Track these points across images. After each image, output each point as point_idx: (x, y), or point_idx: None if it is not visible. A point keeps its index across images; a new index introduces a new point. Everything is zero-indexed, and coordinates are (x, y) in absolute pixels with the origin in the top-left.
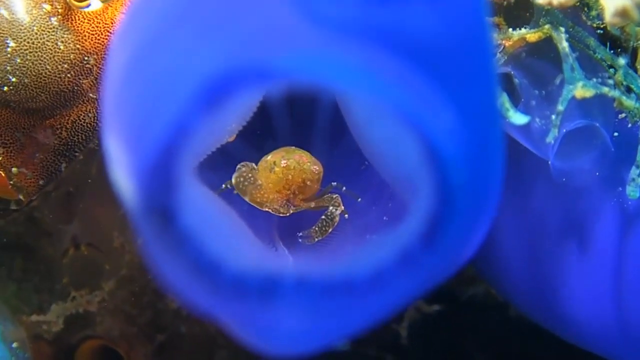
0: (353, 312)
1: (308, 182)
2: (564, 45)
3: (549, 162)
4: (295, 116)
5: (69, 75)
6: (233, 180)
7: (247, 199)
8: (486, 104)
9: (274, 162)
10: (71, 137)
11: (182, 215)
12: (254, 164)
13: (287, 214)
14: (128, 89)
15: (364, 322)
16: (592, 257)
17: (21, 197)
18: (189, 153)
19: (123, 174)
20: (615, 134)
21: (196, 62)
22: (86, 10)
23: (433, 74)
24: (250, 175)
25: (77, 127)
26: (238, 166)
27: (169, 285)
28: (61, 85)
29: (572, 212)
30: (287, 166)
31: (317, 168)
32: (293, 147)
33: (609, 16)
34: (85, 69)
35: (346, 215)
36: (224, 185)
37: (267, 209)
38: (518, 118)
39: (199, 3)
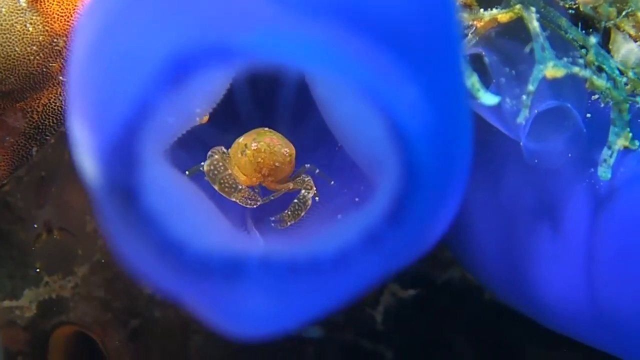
0: (319, 292)
1: (278, 165)
2: (534, 25)
3: (521, 144)
4: (262, 98)
5: (38, 57)
6: (204, 168)
7: (216, 188)
8: (452, 82)
9: (245, 145)
10: (42, 121)
11: (146, 195)
12: (224, 149)
13: (255, 206)
14: (91, 68)
15: (331, 303)
16: (563, 239)
17: None
18: (152, 132)
19: (85, 153)
20: (588, 115)
21: (158, 40)
22: None
23: (397, 51)
24: (220, 164)
25: (48, 111)
26: (210, 152)
27: (134, 267)
28: (30, 67)
29: (544, 194)
30: (257, 149)
31: (288, 150)
32: (266, 129)
33: None
34: (54, 51)
35: (317, 198)
36: (194, 168)
37: (235, 199)
38: (488, 98)
39: None
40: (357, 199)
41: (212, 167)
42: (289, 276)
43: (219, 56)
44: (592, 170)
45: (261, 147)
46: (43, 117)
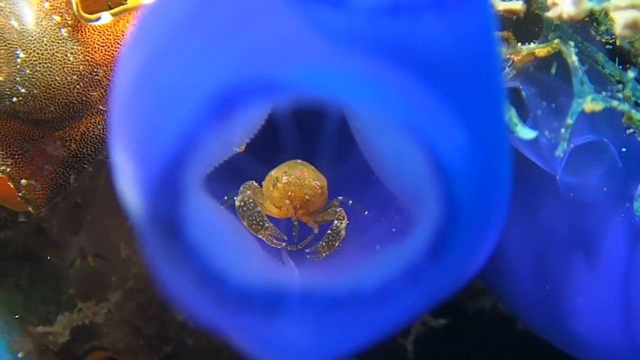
0: (358, 325)
1: (309, 197)
2: (573, 59)
3: (557, 177)
4: (303, 128)
5: (78, 86)
6: (236, 203)
7: (245, 224)
8: (494, 119)
9: (276, 178)
10: (80, 149)
11: (189, 227)
12: (256, 184)
13: (280, 246)
14: (136, 101)
15: (370, 336)
16: (600, 272)
17: (30, 209)
18: (196, 165)
19: (130, 185)
20: (623, 149)
21: (204, 75)
22: (96, 23)
23: (441, 87)
24: (251, 200)
25: (86, 139)
26: (242, 188)
27: (174, 297)
28: (70, 96)
29: (580, 227)
30: (288, 182)
31: (319, 183)
32: (298, 161)
33: (619, 28)
34: (94, 80)
35: (345, 231)
36: (228, 199)
37: (261, 237)
38: (526, 133)
39: (207, 16)
40: (394, 230)
41: (242, 203)
42: (329, 309)
43: (263, 91)
44: (628, 204)
45: (292, 180)
46: (81, 145)
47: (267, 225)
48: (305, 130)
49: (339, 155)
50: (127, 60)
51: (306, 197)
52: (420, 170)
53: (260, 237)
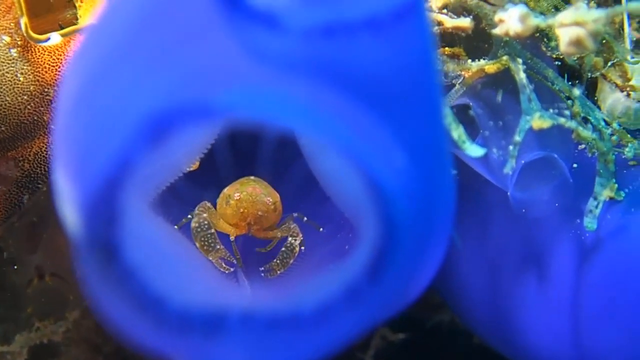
0: (300, 346)
1: (261, 213)
2: (521, 76)
3: (508, 193)
4: (244, 152)
5: (29, 106)
6: (192, 224)
7: (197, 245)
8: (433, 141)
9: (229, 196)
10: (34, 169)
11: (126, 249)
12: (210, 205)
13: (228, 272)
14: (75, 121)
15: (312, 356)
16: (549, 288)
17: None
18: (133, 187)
19: (68, 206)
20: (575, 165)
21: (139, 98)
22: (46, 44)
23: (378, 110)
24: (206, 222)
25: (39, 159)
26: (197, 210)
27: (112, 322)
28: (21, 116)
29: (530, 243)
30: (240, 199)
31: (271, 199)
32: (251, 178)
33: (564, 45)
34: (45, 100)
35: (302, 248)
36: (183, 221)
37: (211, 259)
38: (474, 150)
39: (144, 38)
40: (346, 247)
41: (197, 224)
42: (269, 331)
43: (196, 115)
44: (579, 220)
45: (243, 197)
46: (34, 165)
47: (218, 247)
48: (246, 154)
49: (285, 176)
50: (67, 81)
51: (259, 213)
52: (358, 192)
53: (211, 259)
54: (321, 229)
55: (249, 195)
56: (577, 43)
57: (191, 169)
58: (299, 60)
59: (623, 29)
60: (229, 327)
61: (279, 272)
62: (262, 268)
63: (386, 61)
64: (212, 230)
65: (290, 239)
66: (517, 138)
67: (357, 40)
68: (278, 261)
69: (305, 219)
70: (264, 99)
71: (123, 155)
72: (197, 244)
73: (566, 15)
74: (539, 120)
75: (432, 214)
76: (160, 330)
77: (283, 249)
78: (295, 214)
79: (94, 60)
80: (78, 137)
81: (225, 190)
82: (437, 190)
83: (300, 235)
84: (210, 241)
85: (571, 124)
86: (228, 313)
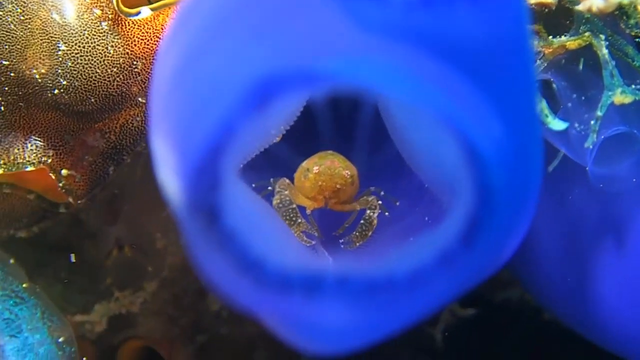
0: (394, 309)
1: (339, 186)
2: (604, 52)
3: (587, 168)
4: (339, 119)
5: (117, 79)
6: (273, 202)
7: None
8: (526, 109)
9: (307, 169)
10: (119, 141)
11: (227, 214)
12: (288, 181)
13: (309, 245)
14: (176, 92)
15: (405, 321)
16: (628, 261)
17: (70, 199)
18: (234, 154)
19: (170, 174)
20: None
21: (242, 66)
22: (136, 17)
23: (475, 78)
24: (288, 199)
25: (125, 131)
26: (277, 188)
27: (214, 283)
28: (110, 88)
29: (608, 217)
30: (318, 172)
31: (349, 172)
32: (329, 152)
33: None
34: (134, 73)
35: (387, 213)
36: (266, 190)
37: (294, 232)
38: (557, 124)
39: (245, 8)
40: (427, 219)
41: (279, 201)
42: (365, 293)
43: (301, 81)
44: None
45: (322, 170)
46: (120, 137)
47: (300, 221)
48: (341, 121)
49: (373, 146)
50: (167, 52)
51: (337, 186)
52: (454, 160)
53: (293, 232)
54: (397, 203)
55: (327, 169)
56: None
57: (277, 140)
58: (401, 28)
59: None
60: (325, 289)
61: (357, 244)
62: (342, 240)
63: (483, 31)
64: (294, 206)
65: (368, 211)
66: (599, 113)
67: (455, 10)
68: (357, 233)
69: (383, 192)
70: (367, 66)
71: (228, 123)
72: (281, 218)
73: None
74: (621, 96)
75: (524, 181)
76: (260, 291)
77: (362, 221)
78: (372, 188)
79: (196, 29)
80: (181, 107)
81: (304, 163)
82: (529, 158)
83: (378, 208)
84: (292, 215)
85: None
86: (324, 275)
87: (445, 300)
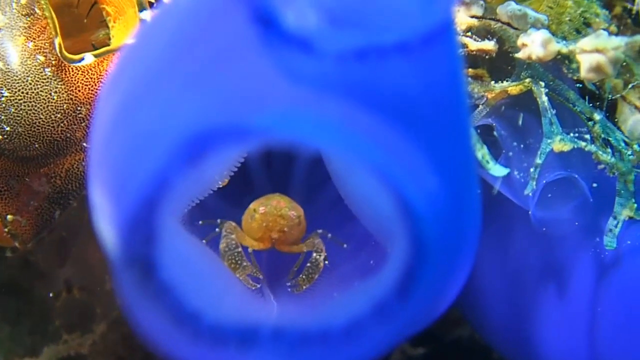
0: None
1: (286, 228)
2: (543, 99)
3: (530, 212)
4: (274, 170)
5: (62, 124)
6: (220, 246)
7: (225, 263)
8: (462, 161)
9: (254, 210)
10: (65, 185)
11: (163, 267)
12: (235, 224)
13: (254, 288)
14: (112, 141)
15: None
16: (568, 305)
17: (17, 244)
18: (170, 206)
19: (105, 224)
20: (595, 184)
21: (176, 120)
22: (79, 64)
23: (408, 131)
24: (234, 243)
25: (71, 176)
26: (224, 232)
27: (147, 335)
28: (54, 134)
29: (550, 260)
30: (265, 212)
31: (295, 213)
32: (276, 194)
33: (584, 71)
34: (78, 118)
35: (326, 262)
36: (210, 235)
37: (238, 276)
38: (498, 170)
39: (180, 62)
40: (371, 263)
41: (226, 245)
42: (300, 346)
43: (234, 137)
44: (598, 239)
45: (269, 210)
46: (66, 182)
47: (245, 264)
48: (279, 173)
49: (316, 195)
50: (104, 102)
51: (283, 227)
52: (388, 211)
53: (238, 276)
54: (345, 245)
55: (273, 209)
56: (598, 69)
57: (221, 185)
58: (333, 82)
59: None
60: (260, 342)
61: (304, 287)
62: (289, 283)
63: (417, 83)
64: (239, 249)
65: (314, 254)
66: (538, 161)
67: (388, 63)
68: (304, 276)
69: (330, 235)
70: (299, 120)
71: (161, 176)
72: (226, 263)
73: (587, 42)
74: (559, 144)
75: (460, 234)
76: (195, 345)
77: (308, 264)
78: (320, 231)
79: (131, 81)
80: (116, 157)
81: (251, 205)
82: (466, 210)
83: (324, 250)
84: (237, 259)
85: (591, 147)
86: (260, 328)
87: (383, 349)
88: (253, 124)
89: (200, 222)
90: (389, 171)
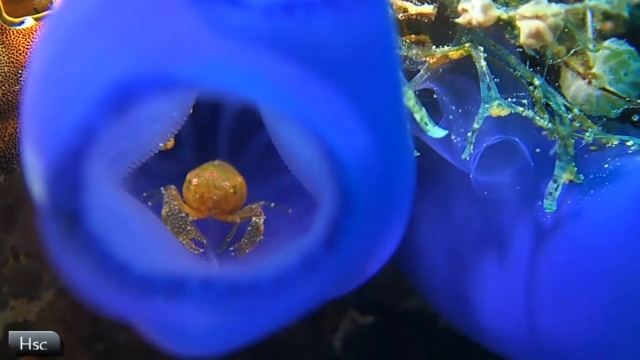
0: (258, 312)
1: (216, 198)
2: (482, 64)
3: (470, 176)
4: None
5: (2, 87)
6: (162, 212)
7: (168, 228)
8: (391, 115)
9: (190, 181)
10: (8, 150)
11: (89, 217)
12: (176, 190)
13: (197, 252)
14: (39, 96)
15: (269, 324)
16: (507, 268)
17: None
18: (98, 158)
19: (33, 176)
20: (537, 150)
21: (102, 69)
22: (20, 27)
23: (334, 82)
24: (177, 208)
25: (14, 140)
26: (166, 198)
27: (77, 286)
28: None
29: (491, 223)
30: (197, 184)
31: (229, 183)
32: (214, 162)
33: (523, 37)
34: (19, 82)
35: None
36: (155, 198)
37: (181, 240)
38: (436, 132)
39: (108, 13)
40: (305, 217)
41: (168, 210)
42: (228, 297)
43: (158, 85)
44: (540, 203)
45: (202, 182)
46: (9, 146)
47: (189, 229)
48: (207, 126)
49: (245, 149)
50: (33, 59)
51: (214, 197)
52: (315, 162)
53: (182, 240)
54: (290, 210)
55: (206, 180)
56: (537, 35)
57: (166, 147)
58: (259, 34)
59: (585, 18)
60: (189, 292)
61: (247, 250)
62: (232, 248)
63: (344, 37)
64: (182, 214)
65: (254, 218)
66: (476, 125)
67: (316, 16)
68: (246, 240)
69: (273, 204)
70: (224, 70)
71: (85, 124)
72: (169, 227)
73: (527, 8)
74: (497, 109)
75: (389, 189)
76: (122, 294)
77: (249, 228)
78: (262, 202)
79: (59, 37)
80: (42, 110)
81: (188, 175)
82: (395, 165)
83: (263, 214)
84: (180, 223)
85: (528, 113)
86: (188, 279)
87: (311, 303)
88: (178, 73)
89: (144, 194)
90: (314, 121)
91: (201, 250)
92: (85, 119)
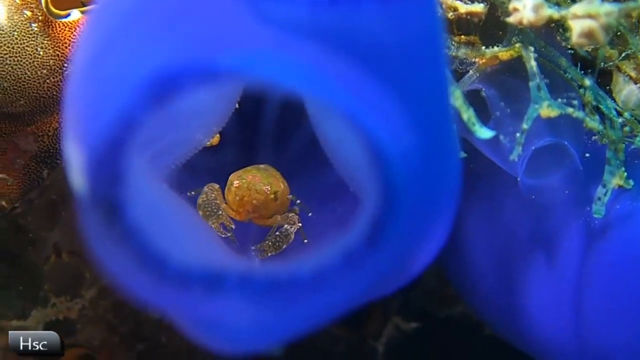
0: (297, 308)
1: (256, 202)
2: (532, 64)
3: (518, 179)
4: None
5: (48, 81)
6: (198, 200)
7: (200, 213)
8: (437, 112)
9: (231, 182)
10: (53, 144)
11: (129, 208)
12: (219, 187)
13: (225, 236)
14: (83, 86)
15: (309, 321)
16: (556, 273)
17: (3, 203)
18: (139, 149)
19: (74, 167)
20: (587, 154)
21: (145, 59)
22: (66, 19)
23: (380, 76)
24: (213, 195)
25: (58, 135)
26: (205, 189)
27: (115, 277)
28: (40, 90)
29: (540, 228)
30: (238, 186)
31: (270, 188)
32: (260, 166)
33: (575, 37)
34: (65, 75)
35: (305, 241)
36: (196, 190)
37: (210, 224)
38: (483, 132)
39: (154, 4)
40: (348, 215)
41: (205, 197)
42: (267, 292)
43: (200, 75)
44: (588, 208)
45: (243, 185)
46: (54, 140)
47: (220, 213)
48: (250, 120)
49: (289, 143)
50: (78, 51)
51: (254, 201)
52: (359, 157)
53: (211, 224)
54: (310, 214)
55: (247, 183)
56: (589, 35)
57: (211, 143)
58: (305, 24)
59: (639, 22)
60: (227, 287)
61: (269, 253)
62: (253, 247)
63: (391, 32)
64: (217, 202)
65: (286, 225)
66: (525, 126)
67: (362, 9)
68: (270, 243)
69: (310, 214)
70: (269, 61)
71: (126, 113)
72: (200, 213)
73: (579, 7)
74: (547, 109)
75: (434, 189)
76: (161, 287)
77: (277, 232)
78: (298, 205)
79: (104, 28)
80: (85, 100)
81: (231, 176)
82: (441, 164)
83: (298, 223)
84: (212, 207)
85: (579, 114)
86: (227, 273)
87: (351, 302)
88: (221, 63)
89: (188, 193)
90: (359, 115)
91: (229, 234)
92: (127, 108)
